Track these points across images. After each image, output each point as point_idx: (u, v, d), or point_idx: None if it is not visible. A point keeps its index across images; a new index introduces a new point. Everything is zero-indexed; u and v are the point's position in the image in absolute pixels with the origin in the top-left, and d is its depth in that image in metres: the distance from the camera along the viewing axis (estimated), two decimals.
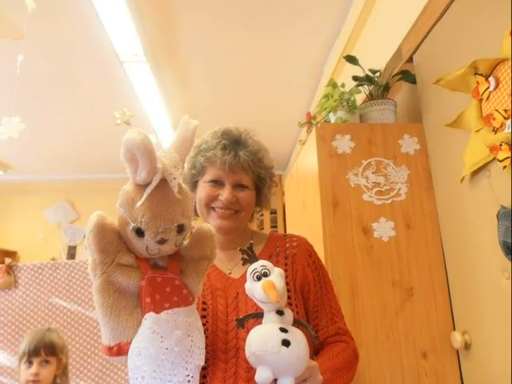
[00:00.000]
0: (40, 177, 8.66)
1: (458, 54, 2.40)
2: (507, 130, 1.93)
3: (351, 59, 3.22)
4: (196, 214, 1.88)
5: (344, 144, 2.82)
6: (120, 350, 1.29)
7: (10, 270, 3.89)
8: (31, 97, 5.51)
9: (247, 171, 1.82)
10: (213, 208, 1.81)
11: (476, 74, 2.13)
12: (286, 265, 1.79)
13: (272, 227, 7.95)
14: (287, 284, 1.69)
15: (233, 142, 1.82)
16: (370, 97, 3.10)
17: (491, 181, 2.12)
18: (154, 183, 1.26)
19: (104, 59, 4.70)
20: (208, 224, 1.55)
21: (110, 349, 1.30)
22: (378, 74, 3.08)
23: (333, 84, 3.11)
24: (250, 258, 1.46)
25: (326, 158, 2.80)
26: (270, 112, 6.18)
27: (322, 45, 4.59)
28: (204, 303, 1.67)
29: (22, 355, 2.84)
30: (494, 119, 2.02)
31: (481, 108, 2.15)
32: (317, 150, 2.82)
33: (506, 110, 1.95)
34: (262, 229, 7.79)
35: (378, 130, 2.87)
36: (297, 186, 3.63)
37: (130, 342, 1.28)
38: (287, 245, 1.88)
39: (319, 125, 2.90)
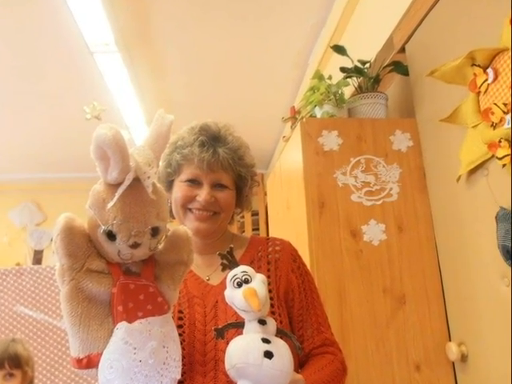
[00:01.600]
0: (3, 176, 8.58)
1: (453, 44, 2.40)
2: (507, 126, 1.93)
3: (339, 49, 3.22)
4: (172, 216, 1.86)
5: (331, 140, 2.81)
6: (90, 363, 1.27)
7: None
8: None
9: (227, 170, 1.80)
10: (190, 209, 1.79)
11: (473, 65, 2.13)
12: (268, 270, 1.78)
13: (253, 230, 7.97)
14: (270, 291, 1.67)
15: (211, 139, 1.80)
16: (359, 90, 3.11)
17: (489, 180, 2.12)
18: (127, 183, 1.25)
19: (72, 49, 4.65)
20: (185, 226, 1.54)
21: (79, 361, 1.28)
22: (367, 65, 3.09)
23: (319, 76, 3.12)
24: (229, 263, 1.46)
25: (311, 156, 2.79)
26: (252, 106, 6.19)
27: (308, 34, 4.59)
28: (180, 312, 1.65)
29: None
30: (492, 114, 2.02)
31: (478, 102, 2.16)
32: (302, 147, 2.82)
33: (505, 104, 1.95)
34: (243, 232, 7.80)
35: (367, 126, 2.87)
36: (280, 186, 3.62)
37: (101, 354, 1.26)
38: (270, 249, 1.86)
39: (304, 120, 2.91)
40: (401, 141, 2.83)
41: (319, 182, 2.75)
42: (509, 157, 1.90)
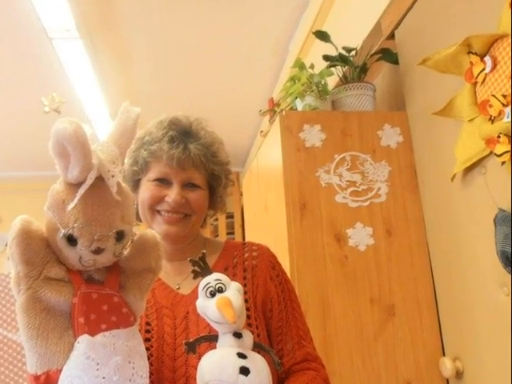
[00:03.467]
0: None
1: (447, 30, 2.41)
2: (506, 119, 1.92)
3: (322, 35, 3.22)
4: (138, 219, 1.86)
5: (313, 136, 2.81)
6: (48, 380, 1.25)
7: None
8: None
9: (199, 168, 1.80)
10: (158, 211, 1.79)
11: (469, 52, 2.12)
12: (244, 278, 1.78)
13: (228, 234, 8.03)
14: (246, 301, 1.66)
15: (182, 134, 1.80)
16: (344, 80, 3.12)
17: (487, 179, 2.12)
18: (89, 182, 1.23)
19: (29, 35, 4.62)
20: (152, 230, 1.53)
21: (36, 378, 1.25)
22: (353, 52, 3.10)
23: (300, 65, 3.11)
24: (202, 270, 1.45)
25: (291, 153, 2.79)
26: (226, 98, 6.23)
27: (287, 18, 4.60)
28: (148, 324, 1.64)
29: None
30: (490, 106, 2.01)
31: (475, 93, 2.15)
32: (281, 143, 2.82)
33: (504, 96, 1.94)
34: (217, 236, 7.86)
35: (353, 120, 2.88)
36: (257, 186, 3.62)
37: (61, 370, 1.24)
38: (246, 255, 1.86)
39: (284, 113, 2.92)
40: (390, 136, 2.84)
41: (300, 182, 2.74)
42: (508, 154, 1.90)
